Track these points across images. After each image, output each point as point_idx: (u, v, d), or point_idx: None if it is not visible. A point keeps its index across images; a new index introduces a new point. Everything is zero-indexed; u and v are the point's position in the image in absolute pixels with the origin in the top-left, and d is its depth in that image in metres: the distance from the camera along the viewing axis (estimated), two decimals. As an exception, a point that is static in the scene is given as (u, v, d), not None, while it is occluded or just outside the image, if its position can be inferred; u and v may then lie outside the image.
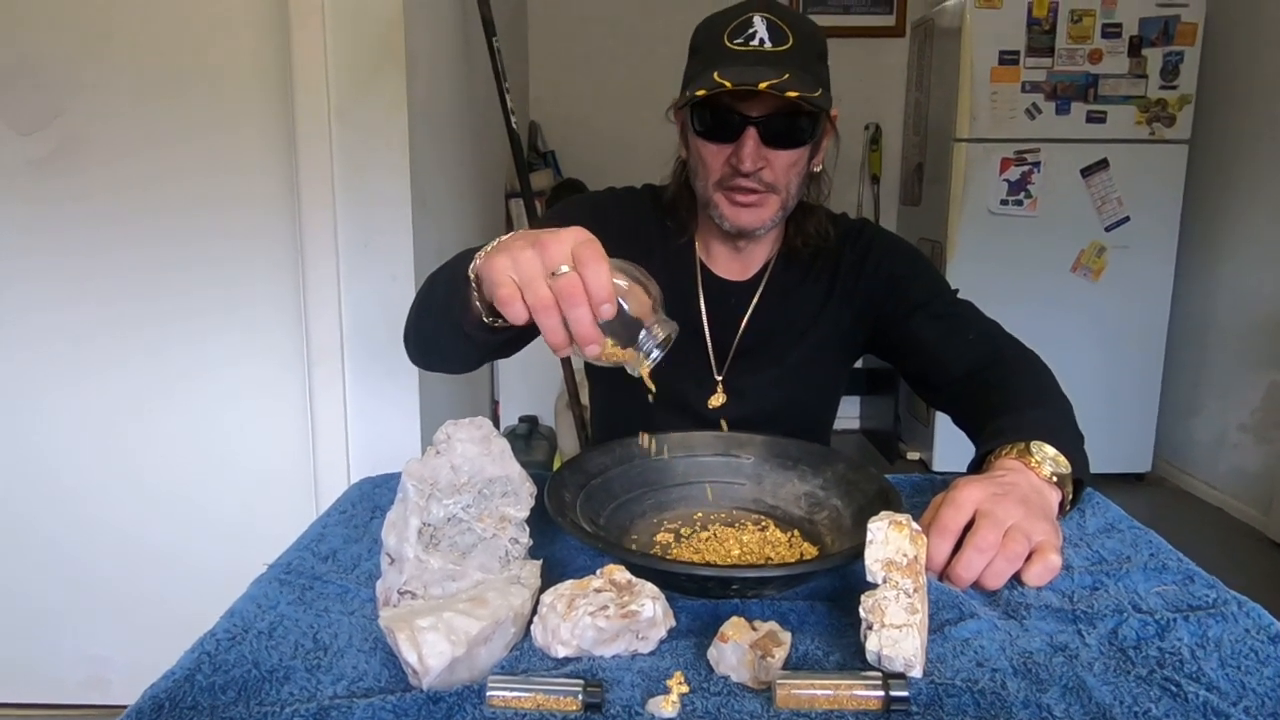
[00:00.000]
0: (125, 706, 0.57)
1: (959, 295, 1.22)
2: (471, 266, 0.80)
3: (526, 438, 2.79)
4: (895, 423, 4.00)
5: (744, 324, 1.22)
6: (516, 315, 0.72)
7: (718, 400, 1.24)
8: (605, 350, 0.75)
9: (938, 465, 3.66)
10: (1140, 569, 0.79)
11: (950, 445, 3.60)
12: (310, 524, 0.87)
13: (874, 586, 0.68)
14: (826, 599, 0.75)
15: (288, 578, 0.75)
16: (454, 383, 2.44)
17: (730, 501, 0.94)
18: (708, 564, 0.71)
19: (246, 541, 1.87)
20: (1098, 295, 3.46)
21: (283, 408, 1.97)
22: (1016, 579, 0.78)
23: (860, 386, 4.21)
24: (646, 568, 0.71)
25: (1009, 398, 1.03)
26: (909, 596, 0.67)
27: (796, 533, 0.89)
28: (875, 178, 4.08)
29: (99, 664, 2.07)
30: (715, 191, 1.12)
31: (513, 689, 0.61)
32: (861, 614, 0.67)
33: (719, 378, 1.24)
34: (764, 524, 0.91)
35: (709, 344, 1.23)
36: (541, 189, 3.32)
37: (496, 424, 3.19)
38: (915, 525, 0.70)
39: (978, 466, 0.95)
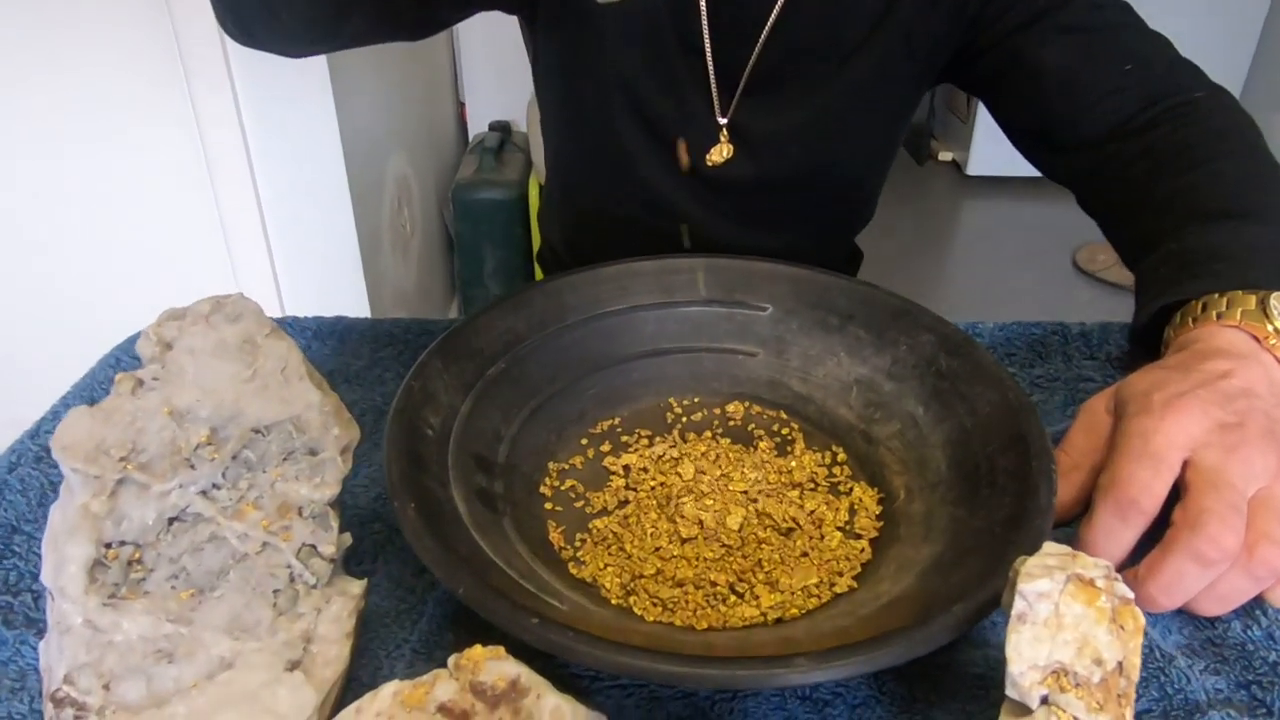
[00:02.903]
0: None
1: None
2: None
3: (497, 151, 2.33)
4: (928, 116, 3.48)
5: (765, 37, 0.76)
6: None
7: (720, 154, 0.81)
8: None
9: (973, 168, 3.20)
10: None
11: (992, 143, 3.10)
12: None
13: (1023, 709, 0.33)
14: (904, 678, 0.40)
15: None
16: (393, 81, 1.95)
17: (730, 386, 0.56)
18: (672, 655, 0.35)
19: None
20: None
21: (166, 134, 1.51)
22: (1258, 597, 0.42)
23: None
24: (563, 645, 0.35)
25: (1204, 189, 0.61)
26: (1103, 758, 0.31)
27: (842, 456, 0.52)
28: None
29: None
30: None
31: None
32: (998, 794, 0.32)
33: (723, 120, 0.80)
34: (787, 433, 0.54)
35: (710, 67, 0.78)
36: None
37: (464, 131, 2.69)
38: (1123, 588, 0.33)
39: (1151, 330, 0.56)
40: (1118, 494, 0.42)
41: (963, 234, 3.03)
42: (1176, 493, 0.42)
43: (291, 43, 0.66)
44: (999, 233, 2.95)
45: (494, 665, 0.34)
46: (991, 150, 3.13)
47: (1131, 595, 0.32)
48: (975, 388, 0.48)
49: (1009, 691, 0.33)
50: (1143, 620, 0.32)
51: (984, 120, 3.10)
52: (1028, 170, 0.81)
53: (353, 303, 1.69)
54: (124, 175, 1.53)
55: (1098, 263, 2.63)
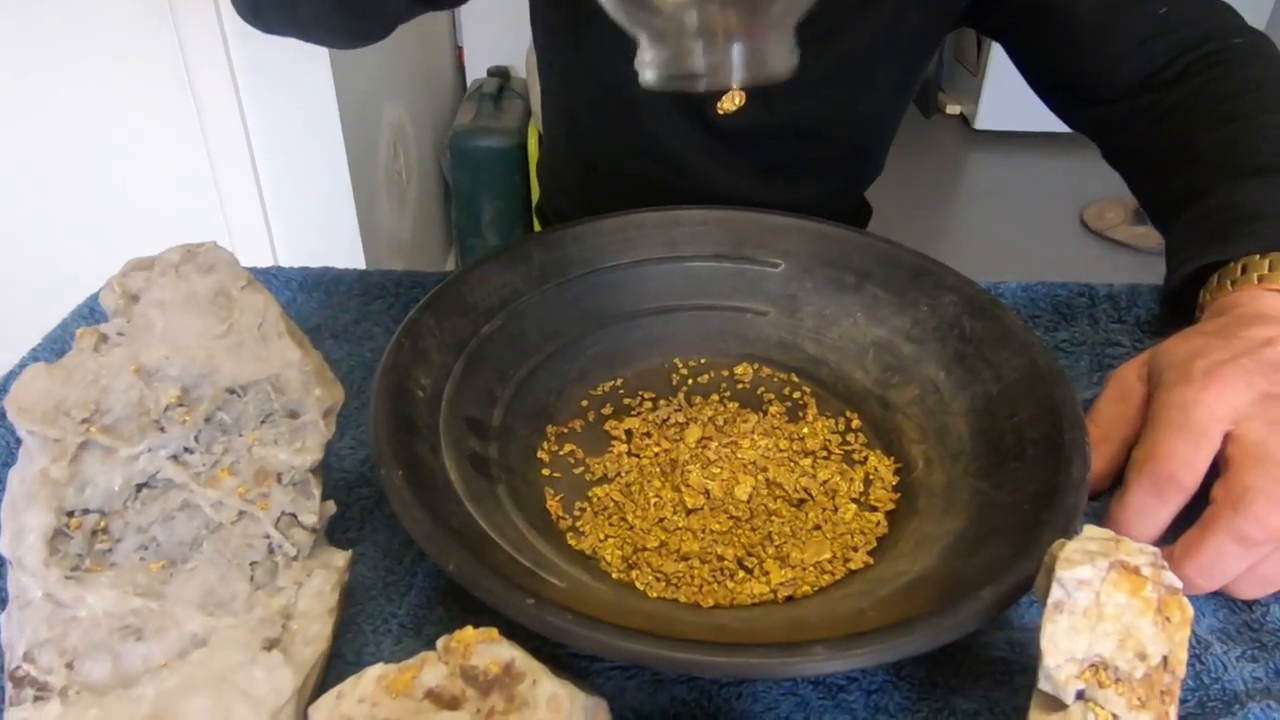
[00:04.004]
0: None
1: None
2: None
3: (495, 98, 2.27)
4: (937, 67, 3.40)
5: (776, -23, 0.72)
6: None
7: (732, 102, 0.77)
8: None
9: (981, 122, 3.14)
10: None
11: (1002, 96, 3.03)
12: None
13: (1056, 704, 0.30)
14: (924, 662, 0.37)
15: None
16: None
17: (739, 346, 0.53)
18: (678, 641, 0.32)
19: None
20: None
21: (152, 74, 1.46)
22: (1294, 578, 0.40)
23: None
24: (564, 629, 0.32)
25: (1242, 143, 0.58)
26: (1145, 760, 0.29)
27: (857, 422, 0.49)
28: None
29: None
30: None
31: None
32: (1030, 796, 0.29)
33: (733, 66, 0.76)
34: (799, 398, 0.51)
35: (720, 12, 0.74)
36: None
37: (461, 77, 2.63)
38: (1170, 577, 0.30)
39: (1184, 293, 0.53)
40: (1155, 469, 0.39)
41: (969, 189, 2.97)
42: (1214, 468, 0.40)
43: (316, 40, 0.64)
44: (1006, 188, 2.90)
45: (486, 648, 0.32)
46: (1000, 104, 3.06)
47: (1179, 585, 0.30)
48: (1001, 353, 0.45)
49: (1042, 684, 0.30)
50: (1190, 611, 0.30)
51: (993, 73, 3.03)
52: (1037, 125, 0.77)
53: (347, 251, 1.66)
54: (109, 118, 1.48)
55: (1105, 220, 2.59)
